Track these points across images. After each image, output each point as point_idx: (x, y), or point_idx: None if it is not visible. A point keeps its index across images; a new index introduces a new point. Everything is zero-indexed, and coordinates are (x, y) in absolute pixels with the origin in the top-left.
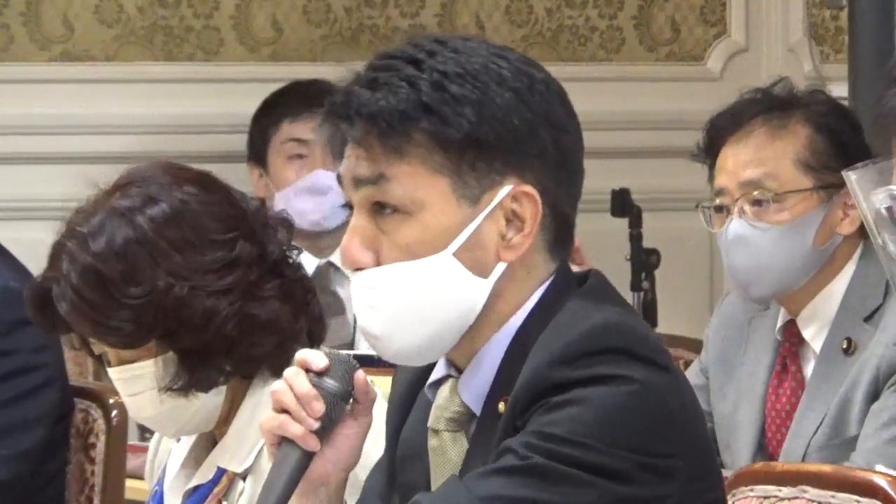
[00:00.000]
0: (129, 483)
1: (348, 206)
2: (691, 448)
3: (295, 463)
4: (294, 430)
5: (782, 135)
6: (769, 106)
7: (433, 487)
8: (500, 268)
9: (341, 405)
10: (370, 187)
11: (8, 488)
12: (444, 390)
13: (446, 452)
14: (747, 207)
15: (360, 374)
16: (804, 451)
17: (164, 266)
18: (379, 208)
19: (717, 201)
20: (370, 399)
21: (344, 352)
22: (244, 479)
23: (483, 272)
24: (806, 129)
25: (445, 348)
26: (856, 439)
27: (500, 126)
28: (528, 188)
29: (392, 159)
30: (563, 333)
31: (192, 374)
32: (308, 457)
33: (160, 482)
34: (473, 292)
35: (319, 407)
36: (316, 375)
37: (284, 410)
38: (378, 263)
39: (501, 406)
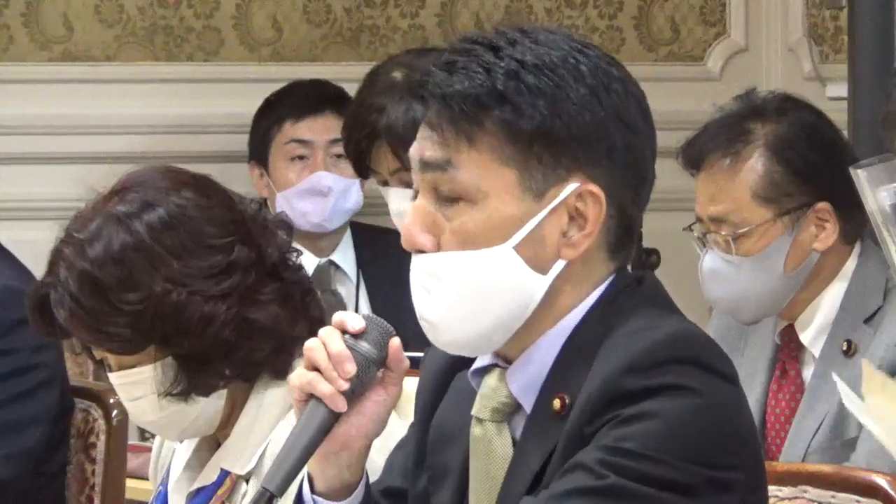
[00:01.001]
0: (130, 483)
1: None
2: (751, 460)
3: (320, 422)
4: (323, 388)
5: (740, 169)
6: (730, 136)
7: (472, 475)
8: (559, 265)
9: (373, 370)
10: (437, 172)
11: (9, 488)
12: (491, 380)
13: (491, 442)
14: (719, 240)
15: (395, 340)
16: (804, 452)
17: (162, 272)
18: (443, 194)
19: (697, 230)
20: (402, 367)
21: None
22: (247, 481)
23: (542, 268)
24: (762, 160)
25: (499, 342)
26: (856, 441)
27: (572, 121)
28: (594, 187)
29: (461, 145)
30: (635, 340)
31: (192, 379)
32: (334, 417)
33: (164, 483)
34: (531, 287)
35: (351, 368)
36: (351, 337)
37: (315, 368)
38: (438, 248)
39: (557, 403)
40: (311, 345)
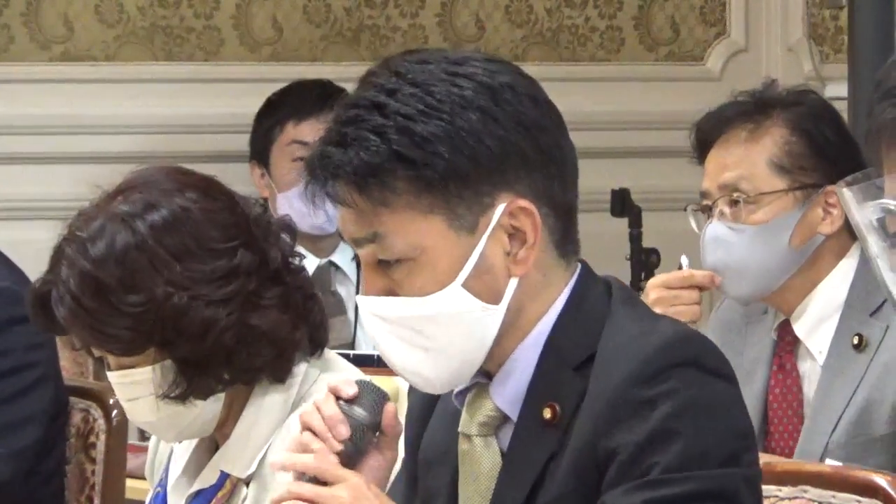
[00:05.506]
0: (129, 483)
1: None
2: (756, 456)
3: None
4: (315, 447)
5: (758, 137)
6: (750, 109)
7: (460, 491)
8: (514, 284)
9: (368, 435)
10: (369, 245)
11: (6, 488)
12: (475, 396)
13: (478, 457)
14: (726, 209)
15: (389, 405)
16: (823, 448)
17: (164, 274)
18: (384, 261)
19: (702, 203)
20: (397, 432)
21: (357, 370)
22: (247, 484)
23: (496, 295)
24: (782, 130)
25: (473, 371)
26: (881, 439)
27: (476, 152)
28: (522, 202)
29: (381, 213)
30: (633, 349)
31: (191, 383)
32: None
33: (163, 483)
34: (485, 320)
35: (345, 430)
36: (345, 402)
37: (311, 431)
38: None
39: (548, 412)
40: (306, 409)
